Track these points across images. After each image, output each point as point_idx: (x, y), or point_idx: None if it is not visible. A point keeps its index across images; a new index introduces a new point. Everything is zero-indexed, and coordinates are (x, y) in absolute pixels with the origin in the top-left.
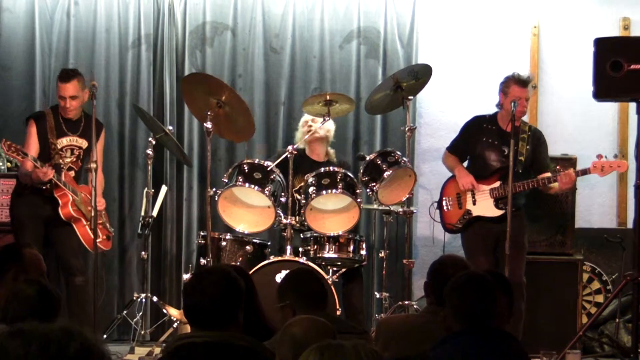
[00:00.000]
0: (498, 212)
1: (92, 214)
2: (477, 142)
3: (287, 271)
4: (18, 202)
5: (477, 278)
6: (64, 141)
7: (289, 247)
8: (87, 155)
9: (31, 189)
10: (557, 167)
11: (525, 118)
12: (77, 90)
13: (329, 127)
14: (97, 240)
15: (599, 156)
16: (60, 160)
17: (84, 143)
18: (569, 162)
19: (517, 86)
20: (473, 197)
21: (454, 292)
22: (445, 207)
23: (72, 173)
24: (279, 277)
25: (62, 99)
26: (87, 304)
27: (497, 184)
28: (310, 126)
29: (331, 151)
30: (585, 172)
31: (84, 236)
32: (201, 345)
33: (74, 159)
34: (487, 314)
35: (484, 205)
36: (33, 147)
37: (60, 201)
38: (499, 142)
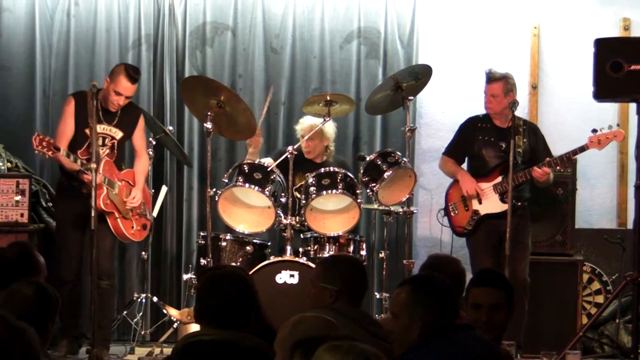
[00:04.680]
0: (504, 206)
1: (93, 215)
2: (474, 142)
3: (340, 255)
4: (59, 203)
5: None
6: (98, 128)
7: (289, 248)
8: (122, 146)
9: (70, 188)
10: (546, 159)
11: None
12: (134, 92)
13: (316, 124)
14: (130, 233)
15: (594, 130)
16: (99, 149)
17: (117, 133)
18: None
19: (485, 82)
20: (478, 197)
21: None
22: (452, 213)
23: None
24: (279, 278)
25: (118, 95)
26: (109, 309)
27: (499, 179)
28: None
29: (331, 149)
30: (583, 148)
31: (115, 228)
32: (209, 343)
33: (108, 150)
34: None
35: (490, 202)
36: (69, 128)
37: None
38: (496, 139)
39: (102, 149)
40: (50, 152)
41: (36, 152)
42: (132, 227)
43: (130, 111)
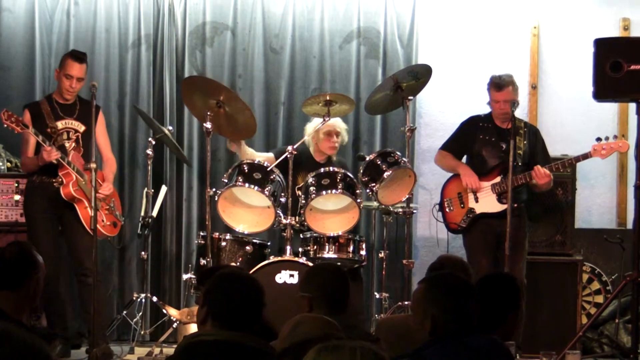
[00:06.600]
0: (501, 207)
1: (92, 214)
2: (474, 140)
3: (319, 264)
4: (30, 201)
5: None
6: (59, 125)
7: (288, 248)
8: (87, 140)
9: (41, 186)
10: (552, 164)
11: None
12: (84, 74)
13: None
14: (101, 225)
15: (598, 139)
16: (65, 143)
17: (80, 127)
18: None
19: (494, 90)
20: (475, 195)
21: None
22: (447, 209)
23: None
24: (278, 278)
25: (69, 78)
26: (100, 304)
27: (498, 179)
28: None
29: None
30: (586, 156)
31: (85, 218)
32: (210, 343)
33: (74, 144)
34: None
35: (486, 202)
36: (30, 134)
37: (63, 180)
38: (497, 139)
39: (67, 143)
40: (18, 128)
41: (5, 126)
42: (103, 220)
43: (88, 105)
